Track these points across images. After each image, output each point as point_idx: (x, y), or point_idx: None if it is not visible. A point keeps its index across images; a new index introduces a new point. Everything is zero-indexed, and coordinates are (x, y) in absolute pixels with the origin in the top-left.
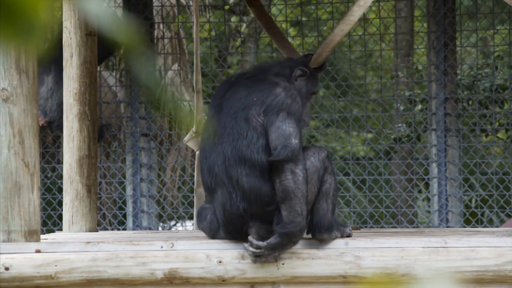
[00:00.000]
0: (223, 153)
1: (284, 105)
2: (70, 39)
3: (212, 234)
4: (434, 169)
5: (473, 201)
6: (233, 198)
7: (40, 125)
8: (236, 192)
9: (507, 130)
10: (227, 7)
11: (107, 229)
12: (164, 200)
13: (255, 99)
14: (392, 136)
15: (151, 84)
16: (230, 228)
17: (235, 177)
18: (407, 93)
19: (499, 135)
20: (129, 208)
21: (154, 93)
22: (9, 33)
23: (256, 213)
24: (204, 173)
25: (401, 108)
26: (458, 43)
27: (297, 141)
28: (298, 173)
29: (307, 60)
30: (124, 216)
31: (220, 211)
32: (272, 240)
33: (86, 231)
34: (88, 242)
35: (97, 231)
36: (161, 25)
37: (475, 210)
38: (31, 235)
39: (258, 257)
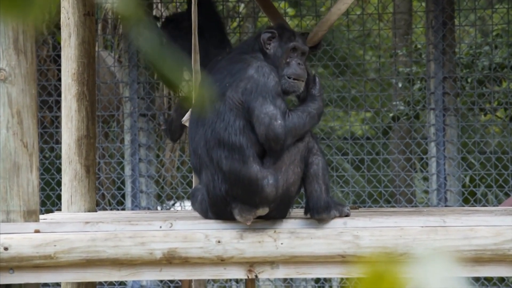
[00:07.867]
0: (205, 135)
1: (259, 89)
2: (68, 19)
3: (204, 215)
4: (432, 148)
5: (472, 180)
6: (215, 180)
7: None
8: (218, 174)
9: (505, 109)
10: None
11: (106, 209)
12: (163, 180)
13: (227, 84)
14: (391, 115)
15: (153, 55)
16: (215, 208)
17: (216, 159)
18: (405, 70)
19: (497, 114)
20: (128, 188)
21: (156, 65)
22: (8, 6)
23: (237, 195)
24: (191, 155)
25: (399, 85)
26: (456, 22)
27: (279, 121)
28: (295, 138)
29: (276, 25)
30: (123, 196)
31: (205, 192)
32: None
33: (85, 211)
34: (87, 222)
35: (96, 211)
36: (159, 5)
37: (474, 189)
38: (30, 215)
39: None
